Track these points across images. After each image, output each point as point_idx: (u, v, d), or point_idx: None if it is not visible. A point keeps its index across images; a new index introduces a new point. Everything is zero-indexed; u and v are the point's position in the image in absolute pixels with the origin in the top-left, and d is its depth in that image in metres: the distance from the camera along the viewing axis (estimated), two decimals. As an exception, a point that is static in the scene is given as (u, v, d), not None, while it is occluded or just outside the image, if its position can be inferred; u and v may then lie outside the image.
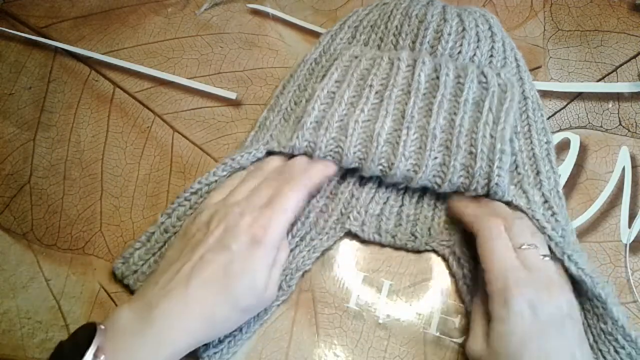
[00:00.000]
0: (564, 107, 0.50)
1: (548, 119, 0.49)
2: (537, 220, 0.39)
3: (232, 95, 0.50)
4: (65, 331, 0.42)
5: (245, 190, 0.39)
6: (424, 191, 0.45)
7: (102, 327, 0.32)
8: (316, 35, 0.53)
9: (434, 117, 0.40)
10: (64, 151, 0.48)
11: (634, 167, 0.47)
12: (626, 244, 0.45)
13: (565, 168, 0.47)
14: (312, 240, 0.44)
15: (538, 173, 0.43)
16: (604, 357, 0.37)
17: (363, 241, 0.45)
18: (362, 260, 0.45)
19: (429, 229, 0.44)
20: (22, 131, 0.49)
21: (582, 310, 0.38)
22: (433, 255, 0.44)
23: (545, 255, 0.37)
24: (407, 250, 0.44)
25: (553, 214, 0.41)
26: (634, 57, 0.51)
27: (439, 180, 0.40)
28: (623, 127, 0.49)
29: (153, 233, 0.42)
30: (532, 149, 0.44)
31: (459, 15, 0.46)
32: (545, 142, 0.45)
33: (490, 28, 0.46)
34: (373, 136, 0.40)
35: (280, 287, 0.41)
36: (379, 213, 0.45)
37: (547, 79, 0.51)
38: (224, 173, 0.42)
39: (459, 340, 0.42)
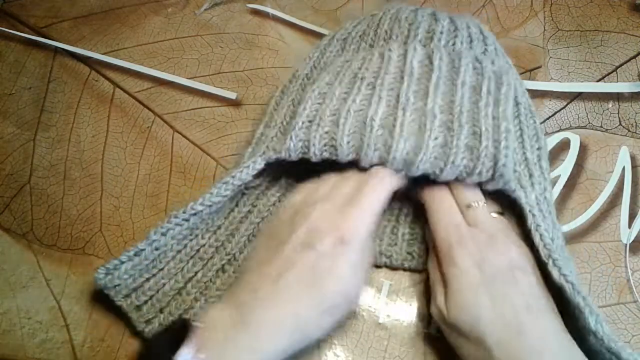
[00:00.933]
0: (564, 107, 0.50)
1: (548, 119, 0.49)
2: (534, 215, 0.38)
3: (232, 95, 0.50)
4: (65, 331, 0.42)
5: (326, 189, 0.39)
6: (418, 208, 0.43)
7: (199, 324, 0.33)
8: (316, 35, 0.53)
9: (431, 97, 0.38)
10: (64, 151, 0.48)
11: (634, 167, 0.47)
12: (626, 244, 0.45)
13: (565, 168, 0.47)
14: None
15: (530, 176, 0.41)
16: None
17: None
18: (362, 260, 0.45)
19: (427, 248, 0.43)
20: (22, 131, 0.49)
21: (565, 321, 0.36)
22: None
23: (499, 213, 0.38)
24: (405, 270, 0.44)
25: (544, 217, 0.39)
26: (634, 57, 0.51)
27: (441, 164, 0.37)
28: (623, 127, 0.49)
29: (143, 250, 0.39)
30: (524, 152, 0.42)
31: (450, 17, 0.45)
32: (537, 148, 0.43)
33: (481, 32, 0.44)
34: (366, 122, 0.37)
35: None
36: (411, 239, 0.44)
37: (547, 79, 0.51)
38: (227, 192, 0.40)
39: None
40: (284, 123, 0.43)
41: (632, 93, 0.50)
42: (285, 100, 0.45)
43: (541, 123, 0.49)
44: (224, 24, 0.53)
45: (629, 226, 0.45)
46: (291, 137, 0.38)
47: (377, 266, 0.44)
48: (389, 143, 0.37)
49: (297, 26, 0.53)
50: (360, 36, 0.46)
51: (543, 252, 0.36)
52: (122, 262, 0.39)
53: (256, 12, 0.54)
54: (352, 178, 0.39)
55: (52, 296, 0.43)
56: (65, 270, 0.44)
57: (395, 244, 0.44)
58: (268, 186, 0.45)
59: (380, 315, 0.43)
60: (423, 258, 0.43)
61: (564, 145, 0.48)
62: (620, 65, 0.51)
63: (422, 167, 0.37)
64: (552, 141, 0.48)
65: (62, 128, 0.49)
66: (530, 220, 0.38)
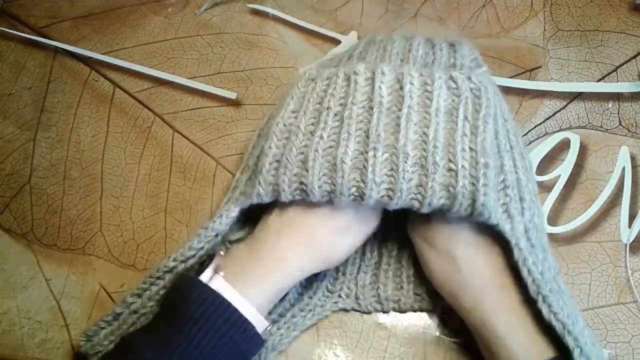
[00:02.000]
0: (564, 107, 0.50)
1: (548, 119, 0.49)
2: (520, 249, 0.35)
3: (232, 95, 0.50)
4: (65, 331, 0.42)
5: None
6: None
7: (222, 253, 0.37)
8: (316, 35, 0.53)
9: (403, 132, 0.35)
10: (64, 151, 0.48)
11: (634, 167, 0.47)
12: (626, 244, 0.45)
13: (565, 168, 0.47)
14: (293, 317, 0.41)
15: (521, 200, 0.38)
16: None
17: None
18: (362, 260, 0.45)
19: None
20: (22, 131, 0.49)
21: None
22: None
23: None
24: (415, 311, 0.43)
25: (532, 245, 0.37)
26: (634, 57, 0.51)
27: (416, 204, 0.35)
28: (623, 127, 0.49)
29: (120, 313, 0.38)
30: (517, 173, 0.38)
31: (427, 37, 0.42)
32: (526, 169, 0.40)
33: (453, 44, 0.41)
34: (337, 163, 0.35)
35: None
36: (373, 281, 0.43)
37: (547, 79, 0.51)
38: (201, 245, 0.38)
39: (459, 340, 0.42)
40: (256, 164, 0.40)
41: (632, 93, 0.50)
42: (259, 142, 0.42)
43: (541, 123, 0.49)
44: (224, 24, 0.53)
45: (629, 226, 0.45)
46: (259, 182, 0.36)
47: (384, 311, 0.43)
48: (362, 188, 0.35)
49: (297, 26, 0.53)
50: (335, 65, 0.42)
51: (532, 289, 0.35)
52: (102, 328, 0.38)
53: (256, 12, 0.54)
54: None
55: (52, 296, 0.43)
56: (65, 270, 0.44)
57: (402, 288, 0.43)
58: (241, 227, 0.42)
59: (380, 315, 0.43)
60: (434, 297, 0.41)
61: (564, 145, 0.48)
62: (620, 65, 0.51)
63: (399, 205, 0.36)
64: (552, 141, 0.48)
65: (62, 128, 0.49)
66: (517, 255, 0.35)
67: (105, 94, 0.51)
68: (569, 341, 0.33)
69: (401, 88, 0.36)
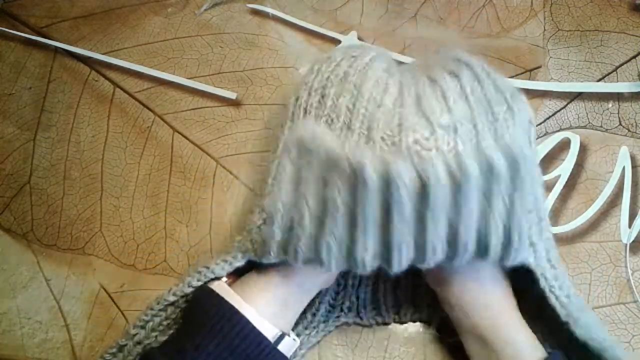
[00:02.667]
0: (564, 107, 0.50)
1: (548, 119, 0.49)
2: (546, 279, 0.34)
3: (232, 95, 0.50)
4: (65, 331, 0.42)
5: None
6: None
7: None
8: (316, 35, 0.53)
9: (430, 230, 0.31)
10: (64, 151, 0.48)
11: (634, 167, 0.47)
12: (626, 244, 0.45)
13: (565, 168, 0.47)
14: (297, 336, 0.40)
15: (540, 220, 0.35)
16: None
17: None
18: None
19: (433, 298, 0.40)
20: (22, 131, 0.49)
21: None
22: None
23: None
24: (415, 321, 0.43)
25: (553, 267, 0.36)
26: (634, 57, 0.51)
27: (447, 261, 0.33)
28: (623, 127, 0.49)
29: (124, 345, 0.37)
30: (534, 190, 0.34)
31: (443, 85, 0.35)
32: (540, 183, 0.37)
33: (485, 71, 0.35)
34: (357, 260, 0.32)
35: None
36: (373, 294, 0.43)
37: (547, 79, 0.51)
38: (199, 283, 0.36)
39: (459, 340, 0.42)
40: (264, 219, 0.35)
41: (632, 93, 0.50)
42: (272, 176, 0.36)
43: (541, 123, 0.49)
44: (224, 24, 0.53)
45: (629, 226, 0.45)
46: (269, 251, 0.34)
47: (386, 323, 0.43)
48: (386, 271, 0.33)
49: (297, 26, 0.53)
50: (341, 79, 0.35)
51: (561, 313, 0.34)
52: None
53: (256, 12, 0.54)
54: None
55: (52, 296, 0.43)
56: (65, 270, 0.44)
57: (400, 299, 0.43)
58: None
59: (380, 315, 0.43)
60: (432, 308, 0.42)
61: (564, 145, 0.48)
62: (620, 65, 0.51)
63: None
64: (552, 141, 0.48)
65: (62, 128, 0.49)
66: (543, 284, 0.34)
67: (105, 94, 0.51)
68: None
69: (425, 191, 0.30)
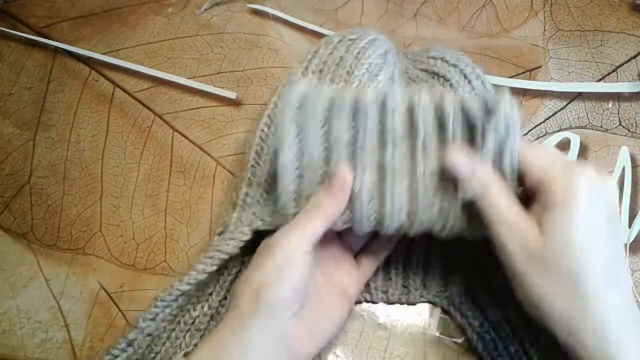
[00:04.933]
0: (564, 107, 0.50)
1: (548, 119, 0.49)
2: None
3: (232, 95, 0.50)
4: (65, 331, 0.42)
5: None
6: (412, 241, 0.41)
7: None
8: (316, 35, 0.53)
9: (421, 159, 0.34)
10: (63, 151, 0.48)
11: (634, 167, 0.47)
12: (626, 244, 0.45)
13: (565, 168, 0.47)
14: None
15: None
16: None
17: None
18: (362, 260, 0.45)
19: (422, 281, 0.42)
20: (22, 131, 0.49)
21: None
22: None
23: None
24: (402, 304, 0.43)
25: None
26: (634, 57, 0.51)
27: (438, 227, 0.35)
28: (623, 127, 0.49)
29: (134, 339, 0.37)
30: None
31: (441, 55, 0.43)
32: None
33: (463, 72, 0.42)
34: (355, 194, 0.35)
35: None
36: (385, 273, 0.43)
37: (547, 79, 0.51)
38: (213, 268, 0.37)
39: (459, 340, 0.42)
40: (268, 180, 0.40)
41: (632, 93, 0.50)
42: (265, 152, 0.41)
43: (541, 123, 0.49)
44: (224, 24, 0.53)
45: (629, 226, 0.45)
46: (281, 217, 0.36)
47: (374, 301, 0.43)
48: (381, 218, 0.35)
49: (297, 26, 0.53)
50: (337, 64, 0.41)
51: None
52: (116, 357, 0.37)
53: (256, 12, 0.54)
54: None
55: (52, 296, 0.43)
56: (65, 270, 0.44)
57: (390, 279, 0.43)
58: (256, 241, 0.41)
59: (380, 315, 0.43)
60: (420, 291, 0.42)
61: (564, 145, 0.48)
62: (620, 65, 0.51)
63: (418, 232, 0.36)
64: (552, 141, 0.48)
65: (62, 128, 0.49)
66: None
67: (105, 94, 0.51)
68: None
69: (413, 122, 0.35)
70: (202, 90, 0.50)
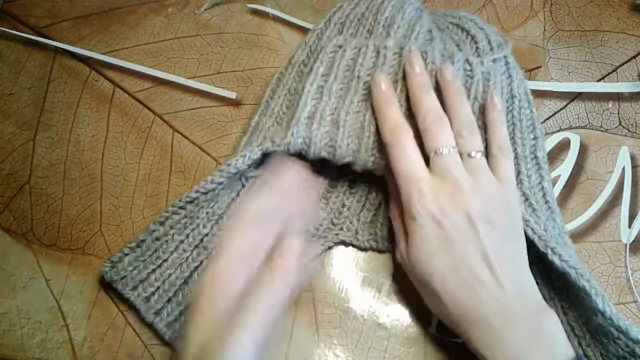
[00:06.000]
0: (564, 107, 0.50)
1: (548, 119, 0.49)
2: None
3: (232, 95, 0.50)
4: (65, 331, 0.42)
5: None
6: (383, 188, 0.44)
7: None
8: (316, 35, 0.53)
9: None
10: (63, 151, 0.48)
11: (634, 167, 0.47)
12: (626, 244, 0.45)
13: (565, 168, 0.47)
14: None
15: (519, 173, 0.41)
16: (603, 350, 0.37)
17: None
18: (362, 260, 0.45)
19: (391, 231, 0.43)
20: (22, 131, 0.49)
21: (570, 305, 0.39)
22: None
23: (477, 151, 0.37)
24: (372, 250, 0.44)
25: (534, 210, 0.40)
26: (634, 57, 0.51)
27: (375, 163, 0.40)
28: (623, 127, 0.49)
29: (144, 240, 0.41)
30: (515, 148, 0.42)
31: (451, 18, 0.46)
32: (533, 138, 0.44)
33: (468, 32, 0.44)
34: (364, 126, 0.39)
35: None
36: (372, 220, 0.45)
37: (547, 79, 0.51)
38: (222, 180, 0.40)
39: (459, 340, 0.42)
40: (281, 112, 0.44)
41: (632, 93, 0.50)
42: (281, 89, 0.45)
43: (541, 123, 0.49)
44: (224, 24, 0.53)
45: (629, 226, 0.45)
46: (292, 134, 0.39)
47: (381, 251, 0.45)
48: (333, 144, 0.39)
49: (297, 26, 0.53)
50: (358, 19, 0.45)
51: (540, 245, 0.37)
52: (125, 254, 0.41)
53: (256, 12, 0.54)
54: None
55: (52, 296, 0.43)
56: (65, 270, 0.44)
57: (365, 222, 0.45)
58: None
59: (380, 315, 0.43)
60: (387, 242, 0.44)
61: (564, 145, 0.48)
62: (620, 65, 0.51)
63: None
64: (552, 141, 0.48)
65: (62, 128, 0.49)
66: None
67: (105, 94, 0.51)
68: (584, 284, 0.36)
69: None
70: (202, 90, 0.50)
